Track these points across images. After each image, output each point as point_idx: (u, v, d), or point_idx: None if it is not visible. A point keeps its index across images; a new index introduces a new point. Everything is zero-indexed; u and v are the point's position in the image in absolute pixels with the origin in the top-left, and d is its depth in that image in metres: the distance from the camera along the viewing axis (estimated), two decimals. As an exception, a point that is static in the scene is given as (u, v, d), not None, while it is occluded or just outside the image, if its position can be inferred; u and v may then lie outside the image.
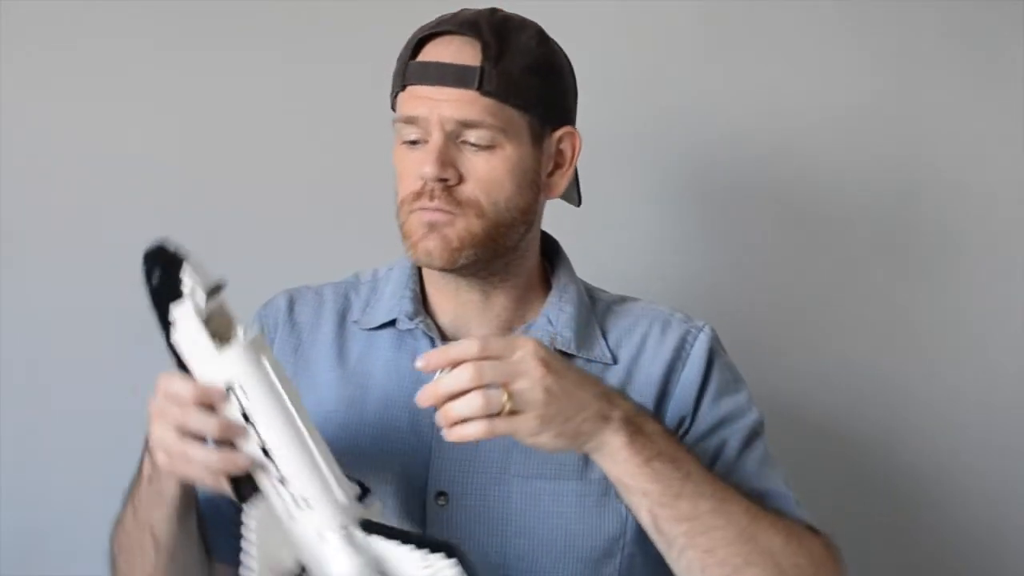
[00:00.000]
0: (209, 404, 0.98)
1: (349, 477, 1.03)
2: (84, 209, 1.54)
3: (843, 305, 1.75)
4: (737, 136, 1.72)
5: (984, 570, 1.76)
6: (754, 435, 1.22)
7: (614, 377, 1.22)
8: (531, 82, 1.18)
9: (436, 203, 1.16)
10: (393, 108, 1.23)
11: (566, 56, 1.25)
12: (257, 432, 0.98)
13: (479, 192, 1.16)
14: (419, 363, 1.02)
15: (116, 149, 1.56)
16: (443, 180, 1.16)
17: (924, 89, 1.74)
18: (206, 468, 0.99)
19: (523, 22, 1.22)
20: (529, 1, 1.29)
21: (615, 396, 1.08)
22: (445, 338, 1.22)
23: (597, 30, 1.66)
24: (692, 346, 1.24)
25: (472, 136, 1.16)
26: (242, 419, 0.98)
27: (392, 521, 1.09)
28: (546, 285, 1.27)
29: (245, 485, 1.00)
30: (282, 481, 0.98)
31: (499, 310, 1.23)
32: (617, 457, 1.06)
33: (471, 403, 0.99)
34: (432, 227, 1.16)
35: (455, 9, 1.21)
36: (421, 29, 1.20)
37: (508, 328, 1.23)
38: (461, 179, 1.16)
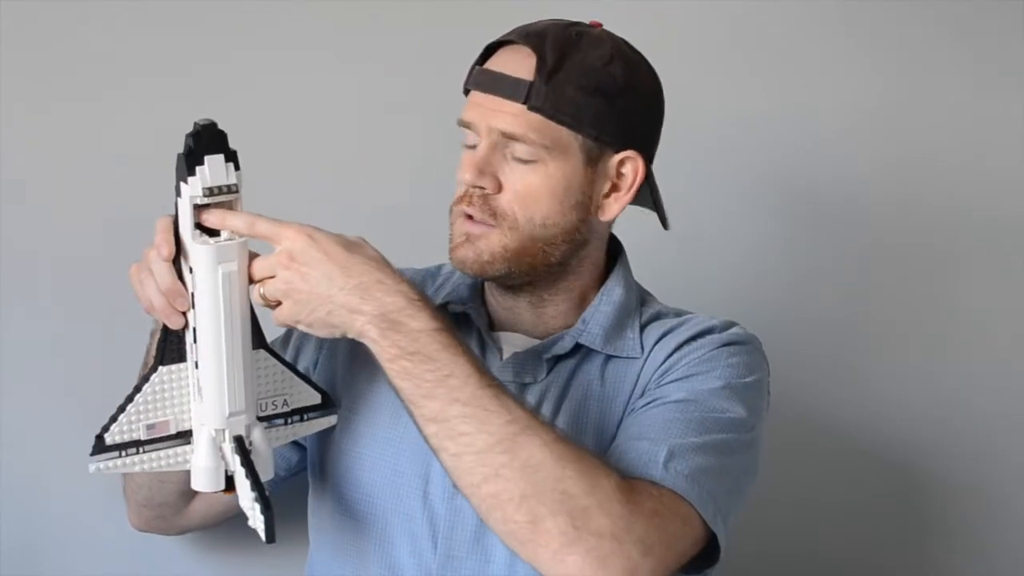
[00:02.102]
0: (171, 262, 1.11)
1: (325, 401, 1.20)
2: (87, 210, 1.53)
3: (841, 305, 1.75)
4: (738, 138, 1.72)
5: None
6: (685, 407, 1.16)
7: (637, 367, 1.24)
8: (588, 101, 1.19)
9: (473, 209, 1.20)
10: None
11: (651, 80, 1.25)
12: (195, 315, 1.11)
13: (515, 205, 1.20)
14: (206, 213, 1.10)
15: (118, 149, 1.55)
16: (480, 187, 1.19)
17: (926, 91, 1.75)
18: (148, 300, 1.12)
19: (600, 39, 1.22)
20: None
21: (376, 290, 1.09)
22: (494, 328, 1.29)
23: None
24: (713, 333, 1.24)
25: (515, 149, 1.19)
26: (190, 296, 1.11)
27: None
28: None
29: (173, 345, 1.14)
30: (196, 365, 1.13)
31: (548, 319, 1.27)
32: (372, 350, 1.10)
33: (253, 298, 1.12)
34: (468, 237, 1.21)
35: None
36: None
37: (556, 332, 1.26)
38: (500, 188, 1.20)
